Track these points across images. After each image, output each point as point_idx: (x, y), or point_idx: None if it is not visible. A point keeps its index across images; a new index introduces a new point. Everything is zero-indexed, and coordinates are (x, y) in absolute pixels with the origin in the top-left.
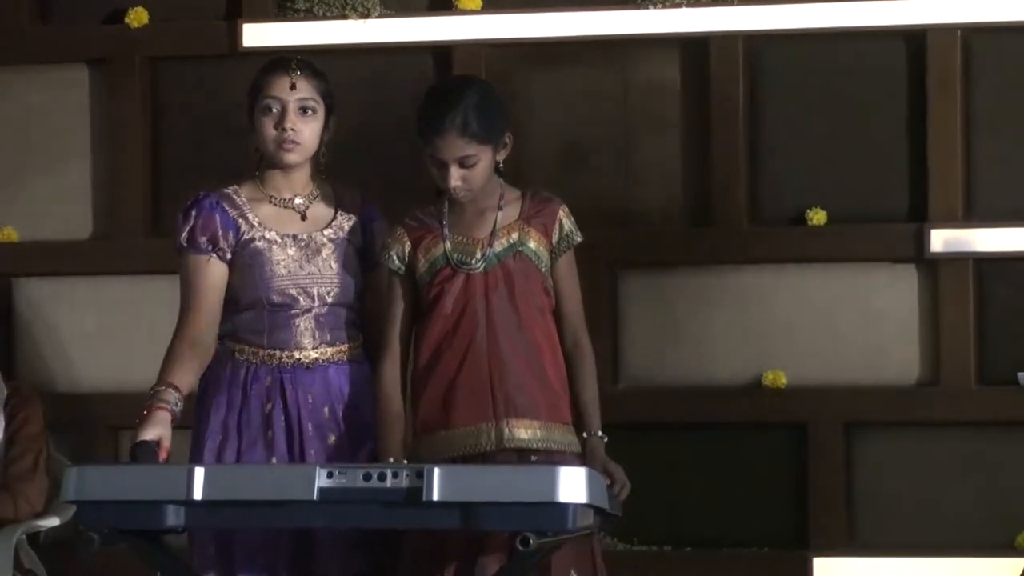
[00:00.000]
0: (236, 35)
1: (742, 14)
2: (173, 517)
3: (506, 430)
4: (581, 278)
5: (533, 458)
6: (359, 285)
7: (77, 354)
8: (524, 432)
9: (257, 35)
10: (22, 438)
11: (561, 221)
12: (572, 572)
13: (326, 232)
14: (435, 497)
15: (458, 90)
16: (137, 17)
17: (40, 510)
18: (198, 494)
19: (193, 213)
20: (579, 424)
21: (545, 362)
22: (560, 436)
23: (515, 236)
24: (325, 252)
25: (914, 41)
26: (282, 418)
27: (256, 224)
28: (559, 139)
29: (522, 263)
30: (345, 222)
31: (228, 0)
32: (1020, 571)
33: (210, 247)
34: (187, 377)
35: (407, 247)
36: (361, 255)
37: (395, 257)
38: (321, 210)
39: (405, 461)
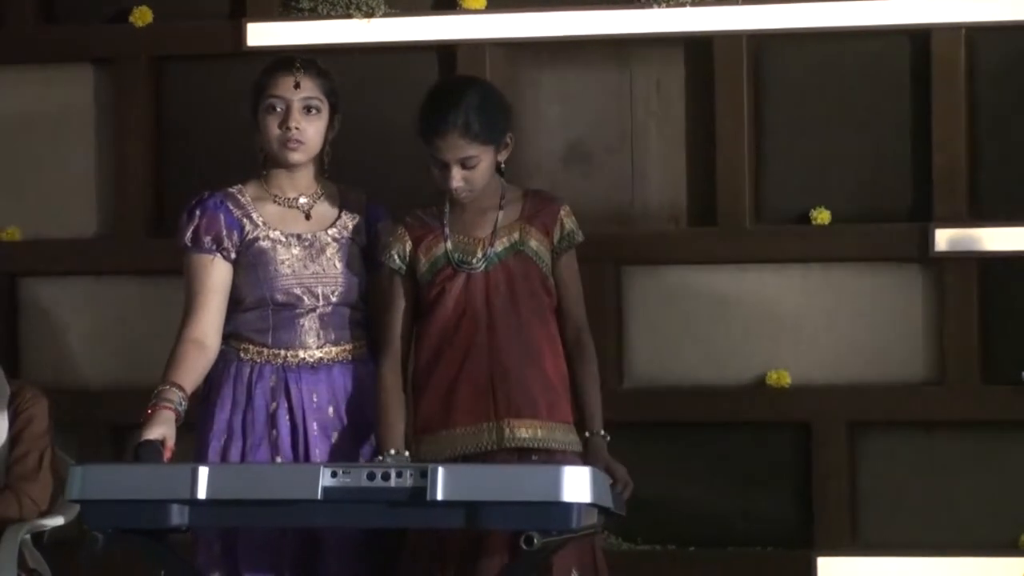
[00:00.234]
0: (240, 34)
1: (746, 13)
2: (177, 516)
3: (507, 430)
4: (586, 277)
5: (534, 457)
6: (364, 284)
7: (81, 353)
8: (525, 432)
9: (261, 34)
10: (26, 437)
11: (562, 220)
12: (573, 571)
13: (330, 231)
14: (439, 496)
15: (459, 91)
16: (141, 16)
17: (44, 509)
18: (202, 493)
19: (197, 212)
20: (581, 423)
21: (546, 361)
22: (561, 435)
23: (516, 235)
24: (329, 251)
25: (918, 40)
26: (287, 418)
27: (260, 224)
28: (563, 138)
29: (523, 263)
30: (350, 221)
31: None
32: None
33: (214, 247)
34: (191, 376)
35: (408, 246)
36: (366, 254)
37: (396, 256)
38: (325, 209)
39: (406, 453)
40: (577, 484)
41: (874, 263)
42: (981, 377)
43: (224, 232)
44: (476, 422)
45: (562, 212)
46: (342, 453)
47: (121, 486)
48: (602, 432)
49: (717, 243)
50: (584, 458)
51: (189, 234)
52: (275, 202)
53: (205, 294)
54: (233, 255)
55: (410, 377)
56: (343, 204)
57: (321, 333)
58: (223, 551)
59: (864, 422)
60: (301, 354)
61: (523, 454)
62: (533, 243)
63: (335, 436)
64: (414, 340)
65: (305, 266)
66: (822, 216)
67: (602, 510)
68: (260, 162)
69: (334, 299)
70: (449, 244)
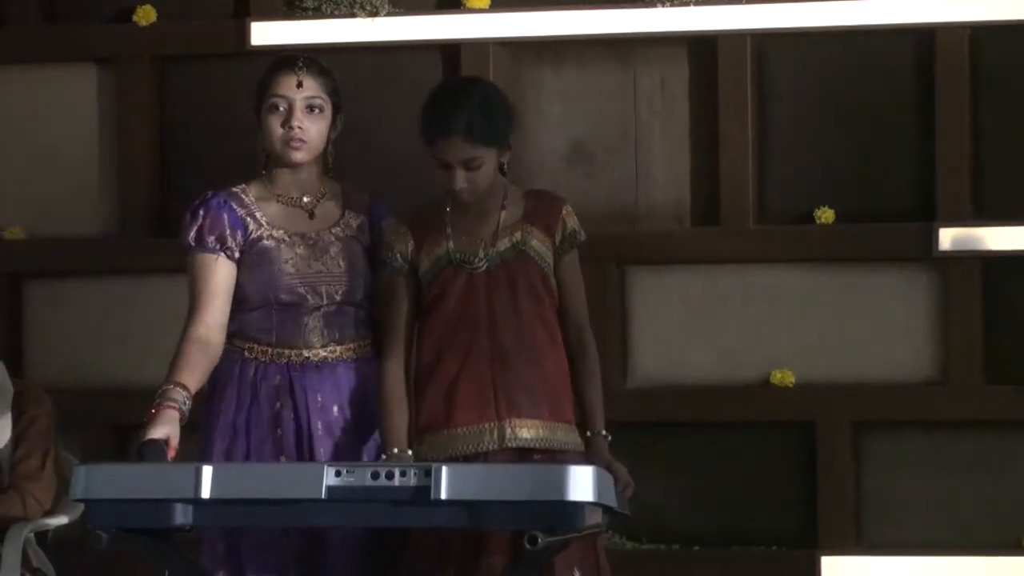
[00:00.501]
0: (244, 33)
1: (750, 13)
2: (181, 516)
3: (508, 430)
4: (590, 277)
5: (536, 457)
6: (368, 283)
7: (85, 353)
8: (527, 432)
9: (265, 33)
10: (30, 436)
11: (564, 220)
12: (576, 571)
13: (334, 231)
14: (443, 496)
15: (462, 92)
16: (145, 15)
17: (48, 508)
18: (206, 493)
19: (201, 212)
20: (583, 423)
21: (548, 361)
22: (563, 436)
23: (518, 235)
24: (333, 251)
25: (922, 39)
26: (291, 417)
27: (264, 223)
28: (567, 137)
29: (525, 263)
30: (353, 220)
31: None
32: None
33: (218, 246)
34: (195, 376)
35: (410, 245)
36: (369, 254)
37: (398, 255)
38: (329, 208)
39: (409, 452)
40: (581, 483)
41: (878, 263)
42: (985, 377)
43: (228, 232)
44: (478, 422)
45: (564, 212)
46: (346, 452)
47: (125, 485)
48: (603, 432)
49: (721, 243)
50: (586, 458)
51: (193, 234)
52: (279, 202)
53: (209, 294)
54: (237, 255)
55: (412, 376)
56: (346, 203)
57: (325, 332)
58: (227, 550)
59: (868, 422)
60: (306, 353)
61: (524, 454)
62: (535, 243)
63: (339, 435)
64: (416, 339)
65: (309, 265)
66: (826, 215)
67: (606, 509)
68: (263, 162)
69: (338, 298)
70: (451, 244)
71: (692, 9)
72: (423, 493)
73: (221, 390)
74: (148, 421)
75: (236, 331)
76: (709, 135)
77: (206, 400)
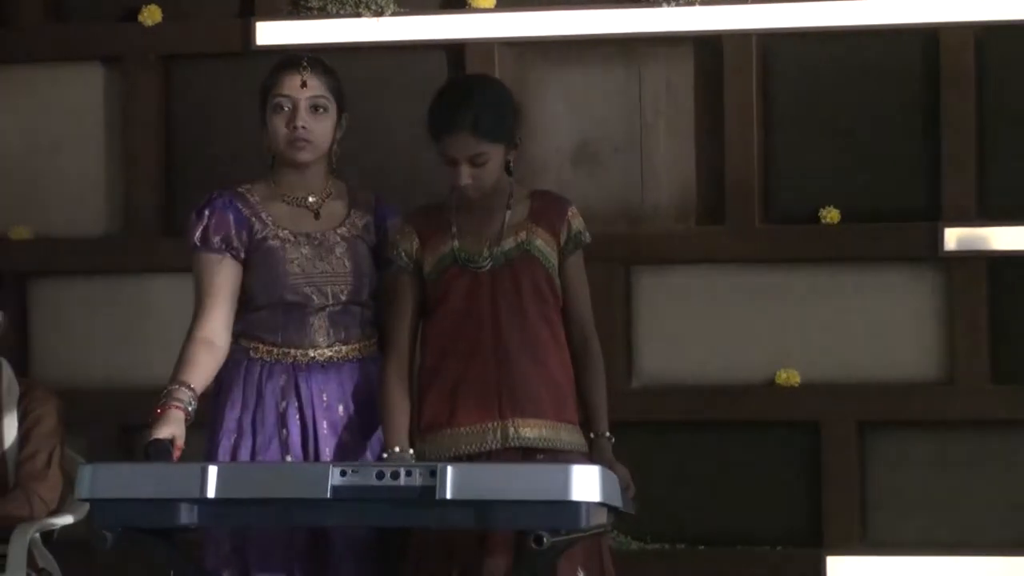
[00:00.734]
0: (250, 33)
1: (756, 12)
2: (186, 515)
3: (511, 429)
4: (595, 277)
5: (539, 457)
6: (373, 283)
7: (91, 352)
8: (530, 432)
9: (270, 33)
10: (36, 436)
11: (570, 221)
12: (580, 571)
13: (339, 230)
14: (448, 496)
15: (470, 88)
16: (151, 15)
17: (54, 508)
18: (211, 492)
19: (207, 212)
20: (586, 424)
21: (551, 361)
22: (567, 436)
23: (523, 235)
24: (339, 250)
25: (928, 39)
26: (297, 416)
27: (269, 223)
28: (572, 137)
29: (529, 263)
30: (359, 220)
31: None
32: None
33: (223, 246)
34: (201, 376)
35: (415, 244)
36: (375, 253)
37: (403, 254)
38: (334, 208)
39: (410, 451)
40: (586, 483)
41: (883, 262)
42: (990, 376)
43: (233, 232)
44: (481, 421)
45: (569, 213)
46: (352, 452)
47: (130, 485)
48: (607, 434)
49: (726, 242)
50: (589, 459)
51: (198, 234)
52: (284, 201)
53: (214, 294)
54: (242, 255)
55: (416, 375)
56: (352, 203)
57: (331, 332)
58: (232, 550)
59: (873, 421)
60: (311, 353)
61: (528, 454)
62: (540, 243)
63: (345, 435)
64: (420, 338)
65: (314, 265)
66: (831, 215)
67: (611, 509)
68: (268, 162)
69: (344, 298)
70: (456, 243)
71: (697, 9)
72: (428, 493)
73: (227, 390)
74: (154, 421)
75: (242, 331)
76: (714, 135)
77: (212, 399)
